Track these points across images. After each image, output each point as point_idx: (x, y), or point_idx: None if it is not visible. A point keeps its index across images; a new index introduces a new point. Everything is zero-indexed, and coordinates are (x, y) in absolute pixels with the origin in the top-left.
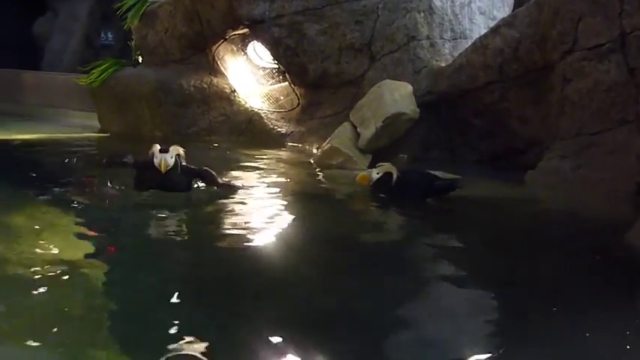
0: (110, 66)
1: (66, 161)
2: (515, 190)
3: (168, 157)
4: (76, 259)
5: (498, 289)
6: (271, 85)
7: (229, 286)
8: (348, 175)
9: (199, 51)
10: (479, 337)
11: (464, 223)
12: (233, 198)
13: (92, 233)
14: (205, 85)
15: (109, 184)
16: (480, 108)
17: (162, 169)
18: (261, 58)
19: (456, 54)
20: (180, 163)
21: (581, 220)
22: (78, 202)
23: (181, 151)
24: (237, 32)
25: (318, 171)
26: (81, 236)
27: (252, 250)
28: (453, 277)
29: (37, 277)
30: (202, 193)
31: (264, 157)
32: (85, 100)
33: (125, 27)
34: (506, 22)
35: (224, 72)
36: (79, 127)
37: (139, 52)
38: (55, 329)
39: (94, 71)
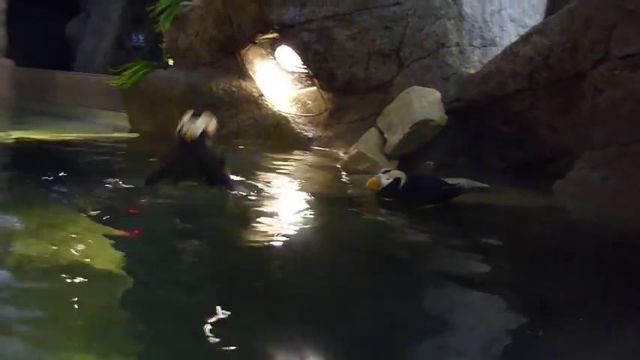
0: (141, 68)
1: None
2: (542, 199)
3: (196, 125)
4: (106, 260)
5: (521, 301)
6: (299, 89)
7: (253, 286)
8: None
9: (229, 54)
10: (497, 349)
11: (490, 232)
12: (258, 199)
13: (124, 233)
14: (234, 89)
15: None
16: (509, 116)
17: (188, 137)
18: (289, 62)
19: (485, 61)
20: (206, 138)
21: (609, 232)
22: (110, 204)
23: (213, 123)
24: (266, 36)
25: (345, 176)
26: (111, 237)
27: (273, 252)
28: (474, 288)
29: (65, 279)
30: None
31: (291, 160)
32: (115, 101)
33: (156, 29)
34: (537, 30)
35: (253, 76)
36: (110, 127)
37: (169, 55)
38: (82, 330)
39: (125, 73)
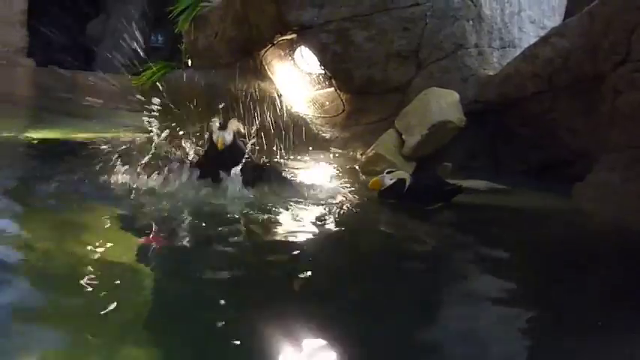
0: (161, 68)
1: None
2: (561, 202)
3: (226, 134)
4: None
5: (538, 304)
6: (317, 90)
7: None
8: None
9: (247, 55)
10: (511, 353)
11: (508, 234)
12: (274, 200)
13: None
14: (252, 89)
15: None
16: (528, 118)
17: (219, 146)
18: (307, 63)
19: (504, 63)
20: (237, 140)
21: (628, 235)
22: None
23: (240, 127)
24: (285, 37)
25: (363, 177)
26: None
27: (291, 253)
28: (489, 292)
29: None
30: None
31: (309, 161)
32: (134, 101)
33: (176, 30)
34: (557, 32)
35: (271, 77)
36: (129, 126)
37: (188, 55)
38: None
39: (144, 73)
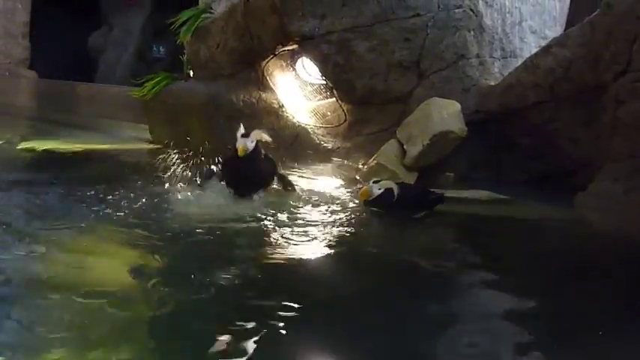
0: (162, 79)
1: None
2: (563, 211)
3: (248, 141)
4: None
5: (539, 314)
6: (319, 100)
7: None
8: None
9: (249, 66)
10: None
11: (510, 244)
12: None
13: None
14: (254, 100)
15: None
16: (530, 128)
17: (240, 153)
18: (309, 74)
19: (505, 73)
20: (262, 149)
21: (631, 245)
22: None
23: (265, 136)
24: (286, 48)
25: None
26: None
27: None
28: (491, 303)
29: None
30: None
31: (311, 171)
32: (135, 112)
33: (177, 42)
34: (558, 42)
35: (273, 87)
36: (131, 138)
37: (190, 67)
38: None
39: (146, 84)
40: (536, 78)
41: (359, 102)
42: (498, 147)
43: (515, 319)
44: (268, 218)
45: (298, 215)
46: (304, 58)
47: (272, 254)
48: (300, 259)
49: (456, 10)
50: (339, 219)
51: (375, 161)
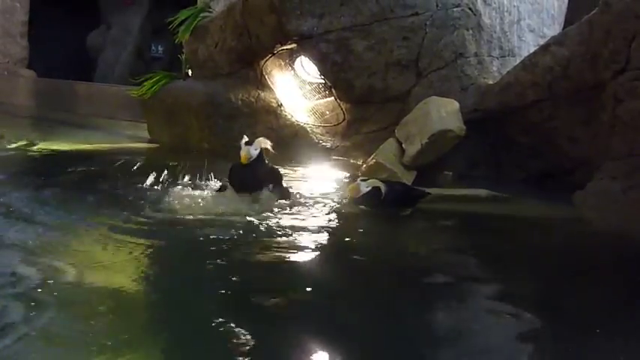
0: (161, 79)
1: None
2: (562, 210)
3: (252, 149)
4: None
5: (538, 312)
6: (317, 99)
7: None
8: None
9: (248, 65)
10: None
11: (509, 243)
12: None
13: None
14: (253, 99)
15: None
16: (528, 126)
17: (242, 160)
18: (308, 73)
19: (504, 71)
20: (265, 159)
21: (629, 244)
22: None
23: (268, 144)
24: (285, 47)
25: None
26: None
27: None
28: (490, 300)
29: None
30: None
31: (309, 170)
32: (134, 111)
33: (176, 41)
34: (556, 41)
35: (271, 86)
36: (130, 137)
37: (188, 66)
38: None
39: (145, 83)
40: (534, 77)
41: (357, 101)
42: (497, 146)
43: (514, 317)
44: (258, 217)
45: (290, 214)
46: (303, 57)
47: (262, 253)
48: (303, 253)
49: (455, 9)
50: (331, 218)
51: (373, 160)
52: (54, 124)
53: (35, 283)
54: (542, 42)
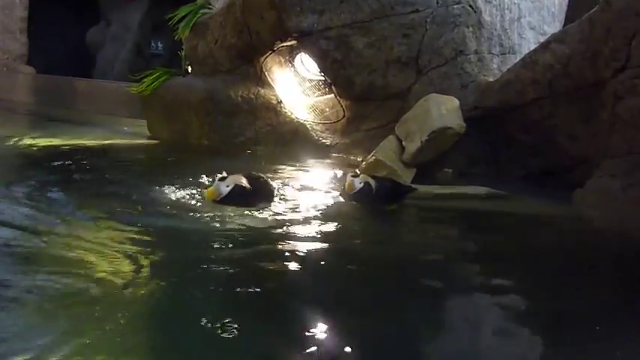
0: (161, 75)
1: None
2: (561, 208)
3: (222, 185)
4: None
5: (537, 311)
6: (317, 96)
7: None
8: None
9: (247, 62)
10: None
11: (508, 240)
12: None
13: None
14: (252, 96)
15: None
16: (528, 124)
17: (207, 196)
18: (308, 70)
19: (504, 69)
20: (241, 187)
21: (629, 241)
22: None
23: (244, 182)
24: (285, 44)
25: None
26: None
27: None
28: (489, 298)
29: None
30: None
31: (309, 167)
32: (133, 108)
33: (176, 37)
34: (556, 38)
35: (271, 83)
36: (129, 134)
37: (188, 62)
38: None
39: (144, 80)
40: (534, 74)
41: (357, 98)
42: (497, 143)
43: (513, 314)
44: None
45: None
46: (303, 54)
47: (257, 251)
48: (307, 251)
49: (455, 6)
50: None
51: (373, 157)
52: (53, 121)
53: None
54: (542, 39)
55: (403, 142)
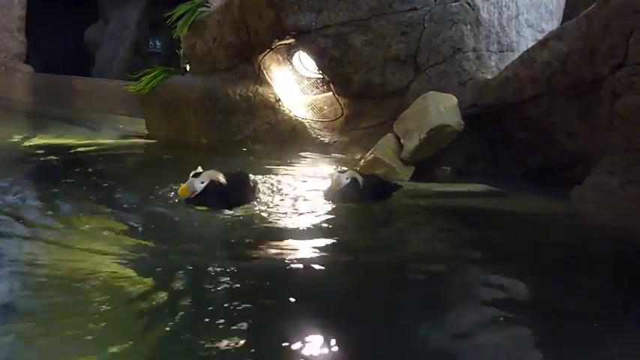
0: (159, 74)
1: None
2: (560, 205)
3: (197, 182)
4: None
5: (537, 308)
6: (315, 94)
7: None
8: None
9: (246, 60)
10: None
11: (507, 238)
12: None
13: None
14: (251, 94)
15: None
16: (526, 121)
17: (180, 193)
18: (306, 68)
19: (502, 66)
20: (216, 184)
21: (628, 238)
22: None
23: (220, 178)
24: (283, 42)
25: None
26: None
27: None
28: (488, 295)
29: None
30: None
31: (307, 165)
32: (132, 106)
33: (174, 36)
34: (554, 35)
35: (269, 81)
36: (127, 132)
37: (186, 61)
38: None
39: (143, 78)
40: (532, 72)
41: (356, 96)
42: (495, 141)
43: (512, 311)
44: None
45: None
46: (301, 52)
47: (248, 250)
48: (306, 249)
49: (453, 4)
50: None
51: (371, 155)
52: (51, 119)
53: None
54: (540, 37)
55: (402, 140)
